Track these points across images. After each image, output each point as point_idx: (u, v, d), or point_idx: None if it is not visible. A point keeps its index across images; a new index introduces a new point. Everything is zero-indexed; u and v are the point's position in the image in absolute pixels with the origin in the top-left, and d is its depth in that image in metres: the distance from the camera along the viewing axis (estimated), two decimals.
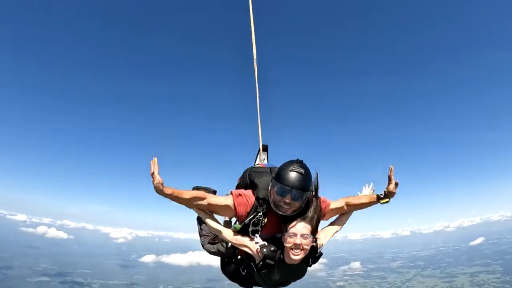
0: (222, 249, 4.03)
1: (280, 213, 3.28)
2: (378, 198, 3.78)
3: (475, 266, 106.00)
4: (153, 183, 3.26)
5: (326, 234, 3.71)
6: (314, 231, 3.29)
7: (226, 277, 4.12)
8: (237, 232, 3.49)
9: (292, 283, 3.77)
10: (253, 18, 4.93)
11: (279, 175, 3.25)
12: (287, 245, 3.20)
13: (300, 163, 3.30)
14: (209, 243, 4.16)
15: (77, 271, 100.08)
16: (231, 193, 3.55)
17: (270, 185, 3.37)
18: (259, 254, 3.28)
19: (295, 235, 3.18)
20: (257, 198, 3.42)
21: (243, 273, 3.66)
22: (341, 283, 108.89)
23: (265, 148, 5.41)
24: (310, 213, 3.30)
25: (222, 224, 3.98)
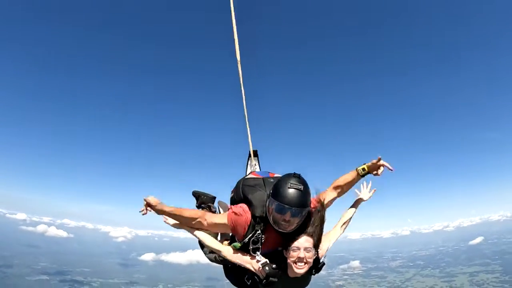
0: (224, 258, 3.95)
1: (279, 230, 3.22)
2: (357, 171, 3.83)
3: (474, 265, 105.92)
4: (152, 208, 3.46)
5: (329, 241, 3.67)
6: (316, 244, 3.27)
7: (230, 282, 4.09)
8: (237, 250, 3.45)
9: None
10: (236, 19, 4.85)
11: (277, 193, 3.16)
12: (290, 259, 3.17)
13: (297, 177, 3.21)
14: (210, 252, 4.08)
15: (77, 269, 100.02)
16: (227, 214, 3.51)
17: (267, 202, 3.30)
18: (262, 272, 3.24)
19: (298, 249, 3.16)
20: (254, 217, 3.35)
21: (248, 283, 3.60)
22: (340, 282, 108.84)
23: (255, 154, 5.29)
24: (312, 225, 3.26)
25: (220, 238, 4.06)
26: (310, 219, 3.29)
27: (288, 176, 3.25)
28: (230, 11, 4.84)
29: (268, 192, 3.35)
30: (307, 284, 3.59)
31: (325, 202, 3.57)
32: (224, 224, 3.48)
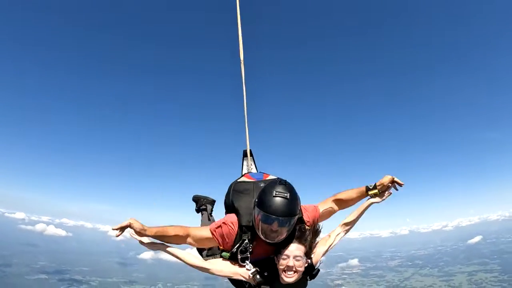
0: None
1: (267, 241, 3.08)
2: (367, 190, 3.52)
3: (473, 265, 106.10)
4: (137, 233, 3.17)
5: (327, 244, 3.47)
6: (308, 252, 3.16)
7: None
8: (227, 259, 3.31)
9: None
10: (241, 18, 4.90)
11: (261, 202, 3.00)
12: (280, 267, 3.09)
13: (283, 184, 3.03)
14: (208, 255, 4.00)
15: (76, 268, 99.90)
16: (210, 228, 3.33)
17: (254, 211, 3.14)
18: (253, 281, 3.19)
19: (288, 257, 3.06)
20: (240, 227, 3.22)
21: (246, 286, 3.48)
22: (339, 282, 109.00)
23: (250, 154, 5.12)
24: (303, 233, 3.15)
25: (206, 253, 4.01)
26: (301, 226, 3.18)
27: (273, 183, 3.08)
28: (236, 10, 4.87)
29: (256, 199, 3.16)
30: None
31: (321, 211, 3.52)
32: (209, 238, 3.32)
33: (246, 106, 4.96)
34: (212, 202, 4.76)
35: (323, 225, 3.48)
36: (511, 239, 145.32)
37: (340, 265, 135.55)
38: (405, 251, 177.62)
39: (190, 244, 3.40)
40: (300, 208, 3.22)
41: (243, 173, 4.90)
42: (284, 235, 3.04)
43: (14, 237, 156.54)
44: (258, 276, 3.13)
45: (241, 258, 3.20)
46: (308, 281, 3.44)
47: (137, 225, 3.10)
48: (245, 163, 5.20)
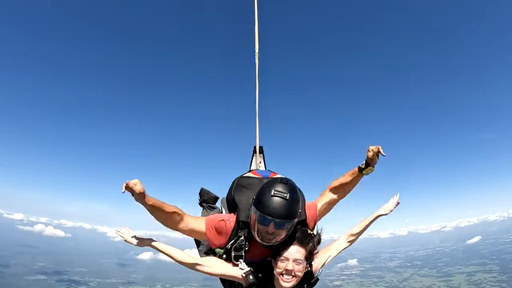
0: None
1: (263, 243, 2.84)
2: (360, 169, 3.22)
3: (472, 265, 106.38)
4: (135, 195, 2.77)
5: (328, 254, 3.21)
6: (309, 256, 2.89)
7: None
8: (220, 257, 3.05)
9: None
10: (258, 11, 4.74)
11: (259, 201, 2.74)
12: (277, 270, 2.80)
13: (284, 183, 2.77)
14: (205, 253, 3.77)
15: (74, 269, 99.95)
16: (206, 221, 3.11)
17: (250, 209, 2.90)
18: (245, 282, 2.91)
19: (287, 259, 2.78)
20: (237, 222, 2.99)
21: None
22: (338, 282, 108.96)
23: (260, 151, 4.84)
24: (305, 236, 2.89)
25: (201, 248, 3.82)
26: (304, 230, 2.93)
27: (273, 181, 2.84)
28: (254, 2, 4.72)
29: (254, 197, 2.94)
30: None
31: (320, 206, 3.28)
32: (201, 232, 3.09)
33: (258, 101, 4.72)
34: (215, 199, 4.52)
35: (324, 226, 3.19)
36: (510, 240, 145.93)
37: (339, 265, 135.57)
38: (404, 252, 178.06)
39: (179, 230, 3.08)
40: (304, 209, 3.03)
41: (250, 169, 4.73)
42: (281, 237, 2.79)
43: (13, 238, 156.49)
44: (251, 277, 2.87)
45: (235, 255, 2.96)
46: None
47: (138, 187, 2.73)
48: (254, 159, 4.91)
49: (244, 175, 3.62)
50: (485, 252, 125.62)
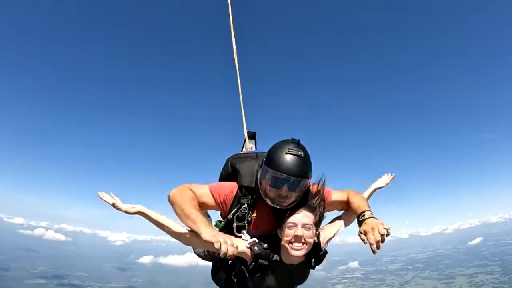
0: (212, 253, 3.38)
1: (274, 206, 2.63)
2: (360, 215, 2.74)
3: (473, 267, 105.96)
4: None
5: (331, 229, 3.03)
6: (318, 222, 2.64)
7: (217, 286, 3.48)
8: (220, 230, 2.76)
9: None
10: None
11: (271, 160, 2.55)
12: (285, 238, 2.54)
13: (296, 143, 2.60)
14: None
15: (75, 273, 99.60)
16: (209, 185, 2.89)
17: (259, 172, 2.71)
18: (249, 253, 2.65)
19: (295, 225, 2.52)
20: (240, 187, 2.75)
21: (235, 281, 3.00)
22: (339, 286, 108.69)
23: (252, 136, 4.52)
24: (313, 200, 2.64)
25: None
26: (312, 194, 2.69)
27: (285, 141, 2.64)
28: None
29: (260, 163, 2.78)
30: (304, 279, 2.94)
31: (333, 198, 2.99)
32: (207, 194, 2.80)
33: (241, 87, 4.44)
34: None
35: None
36: None
37: (340, 268, 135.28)
38: (405, 254, 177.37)
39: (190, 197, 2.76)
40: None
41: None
42: (292, 200, 2.58)
43: (13, 242, 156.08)
44: (256, 248, 2.61)
45: (237, 226, 2.73)
46: (312, 270, 2.95)
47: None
48: (244, 145, 4.58)
49: (238, 153, 3.42)
50: (487, 254, 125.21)
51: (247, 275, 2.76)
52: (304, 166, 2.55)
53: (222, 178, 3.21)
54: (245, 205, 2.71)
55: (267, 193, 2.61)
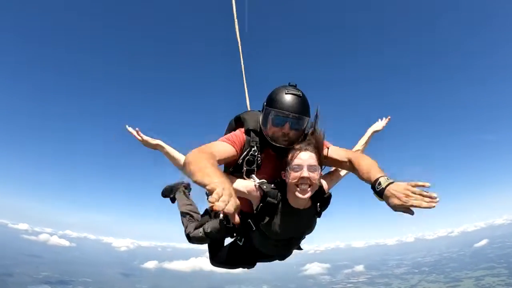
0: (212, 225, 3.33)
1: (277, 145, 2.70)
2: (374, 184, 2.33)
3: (480, 269, 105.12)
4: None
5: (334, 177, 3.04)
6: (321, 162, 2.65)
7: (222, 267, 3.49)
8: (230, 175, 2.83)
9: None
10: None
11: (272, 100, 2.69)
12: (291, 181, 2.55)
13: (294, 86, 2.77)
14: (195, 228, 3.55)
15: (79, 279, 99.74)
16: (223, 137, 2.89)
17: (261, 115, 2.82)
18: (258, 193, 2.69)
19: (301, 167, 2.53)
20: (247, 131, 2.84)
21: (241, 244, 3.08)
22: None
23: None
24: (314, 141, 2.66)
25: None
26: (312, 133, 2.73)
27: (283, 85, 2.79)
28: None
29: (262, 112, 2.84)
30: (312, 227, 2.94)
31: (331, 152, 2.86)
32: (231, 152, 2.72)
33: (244, 67, 4.36)
34: (187, 185, 4.21)
35: None
36: None
37: (346, 271, 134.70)
38: (411, 258, 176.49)
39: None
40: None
41: None
42: (294, 136, 2.68)
43: (17, 247, 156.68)
44: (265, 186, 2.65)
45: (247, 170, 2.77)
46: (318, 217, 2.92)
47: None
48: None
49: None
50: (493, 256, 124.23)
51: (254, 228, 2.79)
52: (303, 104, 2.68)
53: (229, 129, 3.24)
54: (255, 147, 2.77)
55: (270, 133, 2.71)
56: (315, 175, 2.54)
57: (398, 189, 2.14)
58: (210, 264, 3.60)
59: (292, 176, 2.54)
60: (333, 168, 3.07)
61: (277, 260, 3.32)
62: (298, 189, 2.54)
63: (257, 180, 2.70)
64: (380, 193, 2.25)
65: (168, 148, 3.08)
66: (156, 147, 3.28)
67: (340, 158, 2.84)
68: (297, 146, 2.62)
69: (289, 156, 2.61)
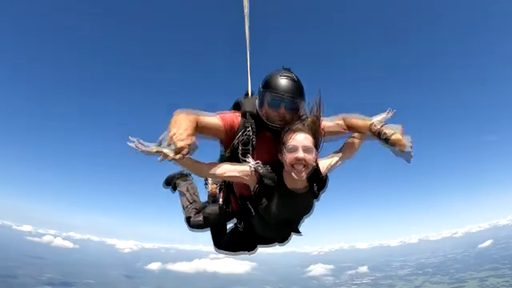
0: (211, 211, 3.50)
1: (273, 125, 2.79)
2: (371, 129, 2.84)
3: (484, 270, 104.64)
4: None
5: (331, 160, 2.99)
6: (317, 144, 2.71)
7: (224, 253, 3.54)
8: (227, 160, 2.92)
9: None
10: None
11: (268, 84, 2.80)
12: (287, 161, 2.61)
13: (289, 69, 2.87)
14: (196, 213, 3.63)
15: (82, 281, 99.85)
16: (216, 114, 2.96)
17: (258, 99, 2.89)
18: (255, 176, 2.73)
19: (296, 148, 2.59)
20: (243, 114, 2.92)
21: (241, 229, 3.17)
22: None
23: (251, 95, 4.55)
24: (309, 122, 2.71)
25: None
26: (308, 118, 2.78)
27: (277, 70, 2.89)
28: None
29: (258, 95, 2.92)
30: (309, 209, 2.95)
31: (325, 123, 2.93)
32: (215, 123, 2.87)
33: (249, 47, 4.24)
34: (185, 176, 4.21)
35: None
36: None
37: (349, 272, 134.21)
38: (414, 259, 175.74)
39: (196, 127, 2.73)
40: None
41: None
42: (289, 117, 2.77)
43: (21, 249, 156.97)
44: (261, 169, 2.70)
45: (242, 150, 2.84)
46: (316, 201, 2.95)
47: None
48: None
49: None
50: (497, 257, 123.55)
51: (253, 211, 2.85)
52: (298, 87, 2.79)
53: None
54: (249, 129, 2.86)
55: (266, 114, 2.81)
56: (310, 156, 2.60)
57: (390, 127, 2.79)
58: (214, 249, 3.64)
59: (288, 157, 2.61)
60: (331, 153, 3.07)
61: (277, 244, 3.34)
62: (293, 170, 2.60)
63: (252, 162, 2.76)
64: (377, 133, 2.77)
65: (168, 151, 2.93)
66: (156, 152, 3.02)
67: (334, 124, 3.02)
68: (293, 127, 2.68)
69: (285, 138, 2.67)
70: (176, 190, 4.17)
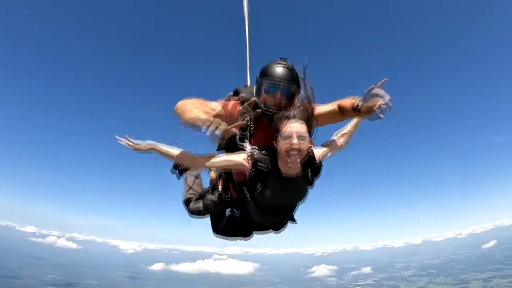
0: (211, 198, 3.65)
1: (270, 110, 2.89)
2: (354, 107, 2.83)
3: (488, 271, 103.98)
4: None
5: (325, 149, 3.09)
6: (311, 131, 2.81)
7: (221, 237, 3.64)
8: (225, 145, 3.04)
9: None
10: None
11: (264, 72, 2.96)
12: (282, 147, 2.68)
13: (284, 59, 3.03)
14: (196, 200, 3.78)
15: (85, 282, 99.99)
16: (217, 101, 3.15)
17: (255, 87, 3.05)
18: (250, 161, 2.80)
19: (290, 135, 2.66)
20: (242, 102, 3.09)
21: (238, 216, 3.27)
22: None
23: None
24: (303, 110, 2.78)
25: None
26: (301, 105, 2.84)
27: (273, 60, 3.04)
28: None
29: (256, 84, 3.07)
30: (303, 195, 3.03)
31: (319, 110, 3.02)
32: (216, 105, 3.06)
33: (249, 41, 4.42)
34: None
35: None
36: None
37: (353, 273, 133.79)
38: (418, 260, 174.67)
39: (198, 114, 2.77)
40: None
41: None
42: (285, 103, 2.89)
43: (24, 249, 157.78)
44: (256, 154, 2.80)
45: (240, 136, 2.93)
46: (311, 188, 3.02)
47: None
48: None
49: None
50: (501, 258, 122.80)
51: (249, 196, 2.93)
52: (293, 75, 2.93)
53: None
54: (247, 117, 3.00)
55: (263, 101, 2.94)
56: (304, 143, 2.69)
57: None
58: (212, 234, 3.75)
59: (282, 145, 2.69)
60: (329, 141, 3.20)
61: (272, 232, 3.46)
62: (287, 156, 2.67)
63: (249, 147, 2.87)
64: (360, 108, 2.74)
65: (161, 147, 2.94)
66: (149, 150, 2.99)
67: (329, 109, 3.05)
68: (288, 114, 2.75)
69: (280, 125, 2.74)
70: (183, 175, 4.31)
